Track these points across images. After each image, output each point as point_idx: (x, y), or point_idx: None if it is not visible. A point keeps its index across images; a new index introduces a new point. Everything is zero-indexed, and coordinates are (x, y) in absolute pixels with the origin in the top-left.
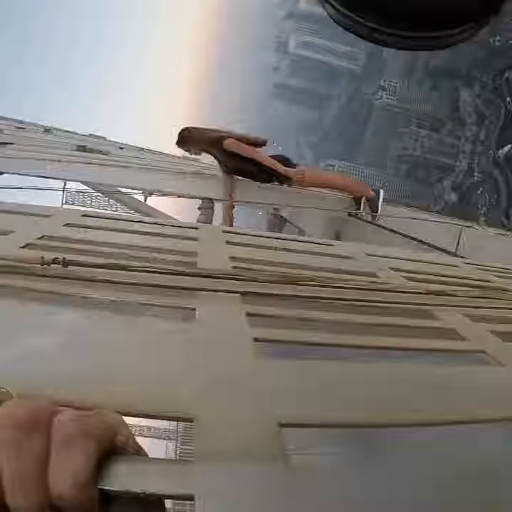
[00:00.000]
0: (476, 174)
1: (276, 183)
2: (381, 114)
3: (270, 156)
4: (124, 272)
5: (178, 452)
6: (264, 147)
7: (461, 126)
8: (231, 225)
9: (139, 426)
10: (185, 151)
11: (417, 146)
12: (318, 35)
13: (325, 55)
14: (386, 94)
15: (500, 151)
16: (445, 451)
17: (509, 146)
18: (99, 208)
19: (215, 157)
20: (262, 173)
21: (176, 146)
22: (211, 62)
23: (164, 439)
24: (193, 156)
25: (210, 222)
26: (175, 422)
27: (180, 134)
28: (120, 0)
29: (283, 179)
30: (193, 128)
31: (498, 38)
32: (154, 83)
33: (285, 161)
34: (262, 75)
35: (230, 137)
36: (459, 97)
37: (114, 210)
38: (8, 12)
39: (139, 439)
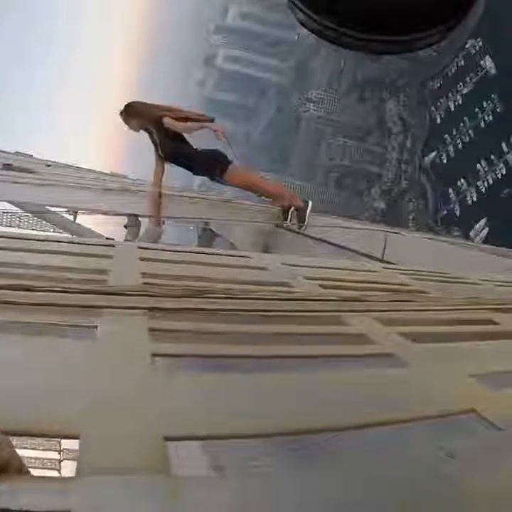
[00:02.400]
0: (403, 181)
1: (209, 177)
2: (309, 126)
3: (205, 150)
4: (29, 292)
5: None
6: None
7: (388, 136)
8: (158, 214)
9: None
10: (127, 124)
11: (345, 157)
12: (246, 49)
13: (253, 68)
14: (313, 106)
15: (426, 158)
16: (354, 455)
17: (434, 152)
18: (27, 229)
19: (152, 137)
20: (198, 161)
21: (120, 117)
22: (139, 78)
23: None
24: (131, 131)
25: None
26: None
27: (125, 106)
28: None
29: (217, 173)
30: (137, 102)
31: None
32: (81, 98)
33: (221, 157)
34: (189, 89)
35: (169, 113)
36: (385, 108)
37: (42, 230)
38: None
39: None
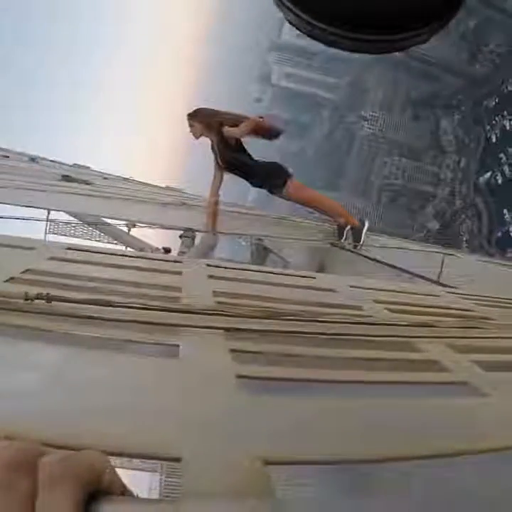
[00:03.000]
0: (457, 201)
1: (267, 189)
2: (363, 143)
3: (265, 162)
4: (107, 307)
5: (162, 485)
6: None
7: (442, 155)
8: (215, 222)
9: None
10: (190, 127)
11: (399, 175)
12: (301, 67)
13: (307, 85)
14: (367, 124)
15: (480, 178)
16: (433, 484)
17: (489, 173)
18: (82, 238)
19: (212, 145)
20: (257, 172)
21: (187, 118)
22: (196, 93)
23: (148, 471)
24: (193, 137)
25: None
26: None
27: (194, 109)
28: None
29: (276, 186)
30: (206, 108)
31: (477, 67)
32: (139, 112)
33: (281, 170)
34: (245, 106)
35: (228, 120)
36: (439, 126)
37: (97, 240)
38: None
39: (122, 472)
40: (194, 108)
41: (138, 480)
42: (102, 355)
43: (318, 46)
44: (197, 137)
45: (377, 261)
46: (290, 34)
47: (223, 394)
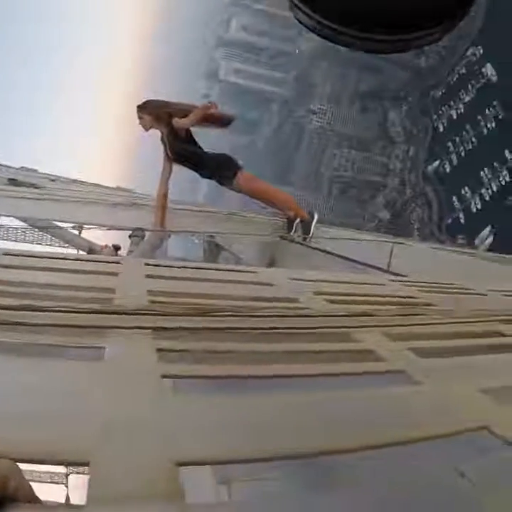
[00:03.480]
0: (407, 190)
1: (217, 181)
2: (312, 137)
3: (215, 154)
4: (36, 313)
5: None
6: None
7: (391, 145)
8: (164, 215)
9: (40, 471)
10: (139, 118)
11: (348, 167)
12: (248, 63)
13: (255, 81)
14: (316, 117)
15: (429, 167)
16: (367, 476)
17: (438, 161)
18: (34, 243)
19: (162, 137)
20: (207, 164)
21: (136, 110)
22: (145, 91)
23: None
24: (141, 129)
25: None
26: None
27: (143, 102)
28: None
29: (226, 177)
30: (155, 100)
31: (423, 58)
32: (85, 111)
33: (231, 162)
34: (195, 102)
35: (176, 110)
36: (388, 117)
37: (48, 244)
38: None
39: (37, 485)
40: (143, 100)
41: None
42: (23, 361)
43: (265, 42)
44: (147, 129)
45: (327, 252)
46: (237, 30)
47: (144, 395)
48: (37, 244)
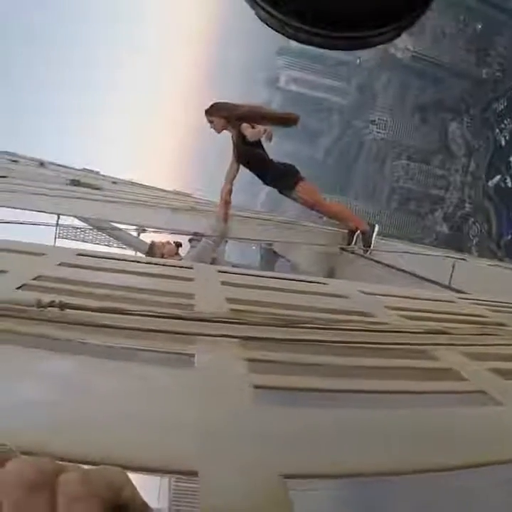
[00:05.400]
0: (466, 205)
1: (279, 189)
2: (372, 148)
3: (279, 162)
4: (120, 315)
5: (171, 489)
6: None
7: (451, 158)
8: (227, 211)
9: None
10: (210, 122)
11: (408, 179)
12: (309, 71)
13: (315, 90)
14: (376, 128)
15: (490, 182)
16: (452, 496)
17: (498, 176)
18: (92, 243)
19: (232, 137)
20: (270, 171)
21: (205, 114)
22: (203, 99)
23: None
24: (212, 130)
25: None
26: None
27: (210, 105)
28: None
29: (287, 186)
30: (223, 102)
31: (485, 70)
32: (147, 118)
33: (294, 171)
34: None
35: (250, 114)
36: (448, 130)
37: (106, 245)
38: None
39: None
40: (211, 103)
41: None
42: (115, 364)
43: (325, 51)
44: (219, 132)
45: (388, 265)
46: None
47: (240, 405)
48: (95, 244)
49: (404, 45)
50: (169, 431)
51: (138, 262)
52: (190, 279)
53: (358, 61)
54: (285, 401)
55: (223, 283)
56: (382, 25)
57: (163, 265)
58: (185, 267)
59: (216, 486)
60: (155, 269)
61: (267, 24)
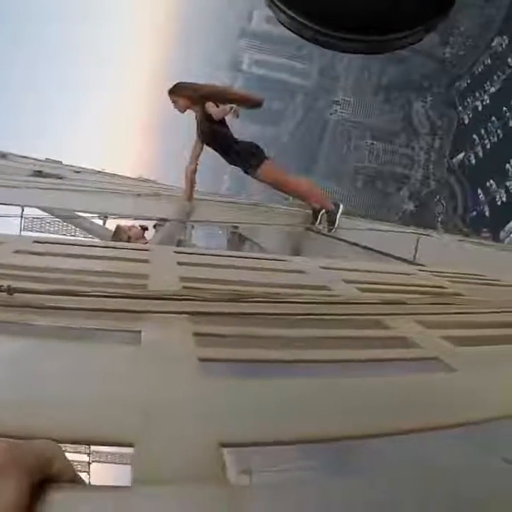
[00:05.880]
0: (431, 183)
1: (243, 168)
2: (336, 128)
3: (244, 141)
4: (71, 297)
5: None
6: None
7: (415, 137)
8: (191, 190)
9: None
10: (173, 103)
11: (373, 159)
12: (271, 54)
13: (278, 72)
14: (340, 108)
15: (454, 159)
16: (403, 459)
17: (463, 153)
18: (58, 234)
19: (195, 118)
20: (235, 150)
21: (168, 94)
22: (166, 82)
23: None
24: (176, 111)
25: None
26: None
27: (173, 85)
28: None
29: (252, 165)
30: (185, 82)
31: (448, 49)
32: (109, 102)
33: (259, 150)
34: None
35: (214, 93)
36: (412, 109)
37: (73, 235)
38: None
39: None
40: (174, 83)
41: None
42: (62, 344)
43: (287, 33)
44: (182, 111)
45: (353, 244)
46: (259, 21)
47: (183, 377)
48: (61, 234)
49: None
50: (108, 405)
51: (95, 246)
52: (146, 261)
53: None
54: (231, 373)
55: (179, 263)
56: (409, 27)
57: (121, 249)
58: (142, 250)
59: (150, 456)
60: (111, 253)
61: (288, 28)
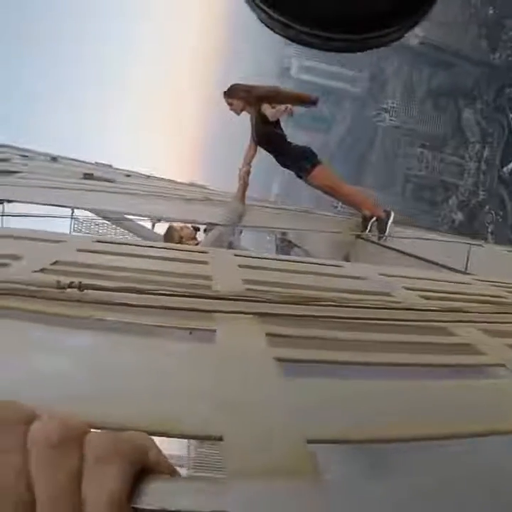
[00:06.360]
0: (481, 192)
1: (295, 172)
2: (385, 135)
3: (297, 144)
4: (139, 295)
5: (190, 454)
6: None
7: (465, 145)
8: (244, 192)
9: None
10: (229, 104)
11: (422, 167)
12: (320, 60)
13: (327, 79)
14: (389, 116)
15: (505, 168)
16: (471, 463)
17: None
18: (107, 236)
19: (251, 120)
20: (288, 153)
21: (223, 96)
22: (216, 89)
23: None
24: (232, 112)
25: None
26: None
27: (229, 87)
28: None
29: (304, 169)
30: (241, 84)
31: (497, 55)
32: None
33: (312, 155)
34: None
35: (270, 95)
36: (461, 116)
37: (121, 238)
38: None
39: None
40: (229, 85)
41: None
42: (138, 340)
43: None
44: (238, 113)
45: (403, 252)
46: None
47: (263, 376)
48: (111, 236)
49: (414, 31)
50: (195, 400)
51: (154, 247)
52: (206, 263)
53: None
54: (305, 373)
55: (240, 266)
56: (387, 26)
57: (179, 250)
58: (201, 252)
59: (240, 451)
60: (171, 254)
61: (270, 28)
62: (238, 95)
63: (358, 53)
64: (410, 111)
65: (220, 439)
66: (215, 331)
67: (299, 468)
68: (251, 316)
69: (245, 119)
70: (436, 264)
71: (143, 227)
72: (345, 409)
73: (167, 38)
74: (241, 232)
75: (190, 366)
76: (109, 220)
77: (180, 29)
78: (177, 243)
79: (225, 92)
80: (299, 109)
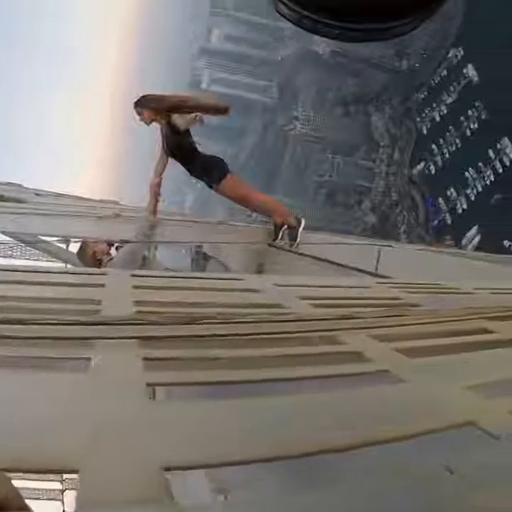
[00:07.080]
0: (393, 194)
1: (206, 182)
2: (296, 144)
3: (208, 154)
4: (22, 326)
5: None
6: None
7: (376, 149)
8: (156, 204)
9: (37, 489)
10: (138, 115)
11: (334, 172)
12: (231, 71)
13: (238, 89)
14: (300, 124)
15: (414, 170)
16: (355, 474)
17: (422, 163)
18: (21, 258)
19: (160, 129)
20: (198, 163)
21: (133, 107)
22: (127, 102)
23: (50, 500)
24: (141, 123)
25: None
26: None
27: (139, 97)
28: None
29: (215, 179)
30: (151, 94)
31: (404, 62)
32: (67, 125)
33: (222, 164)
34: None
35: (180, 104)
36: (371, 121)
37: (36, 259)
38: None
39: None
40: (139, 95)
41: None
42: (10, 373)
43: (247, 50)
44: (148, 124)
45: (315, 258)
46: (219, 39)
47: (129, 402)
48: (24, 259)
49: (322, 40)
50: (53, 432)
51: (51, 272)
52: (101, 285)
53: (280, 58)
54: (179, 396)
55: (135, 287)
56: (402, 16)
57: (78, 274)
58: (100, 274)
59: (95, 481)
60: (68, 278)
61: (286, 18)
62: (148, 105)
63: (269, 63)
64: (321, 119)
65: (76, 471)
66: (90, 359)
67: (152, 497)
68: (132, 340)
69: (156, 130)
70: (349, 267)
71: (59, 247)
72: (211, 432)
73: (75, 52)
74: (156, 247)
75: (53, 398)
76: (22, 242)
77: (90, 44)
78: (90, 258)
79: (135, 102)
80: (210, 120)
